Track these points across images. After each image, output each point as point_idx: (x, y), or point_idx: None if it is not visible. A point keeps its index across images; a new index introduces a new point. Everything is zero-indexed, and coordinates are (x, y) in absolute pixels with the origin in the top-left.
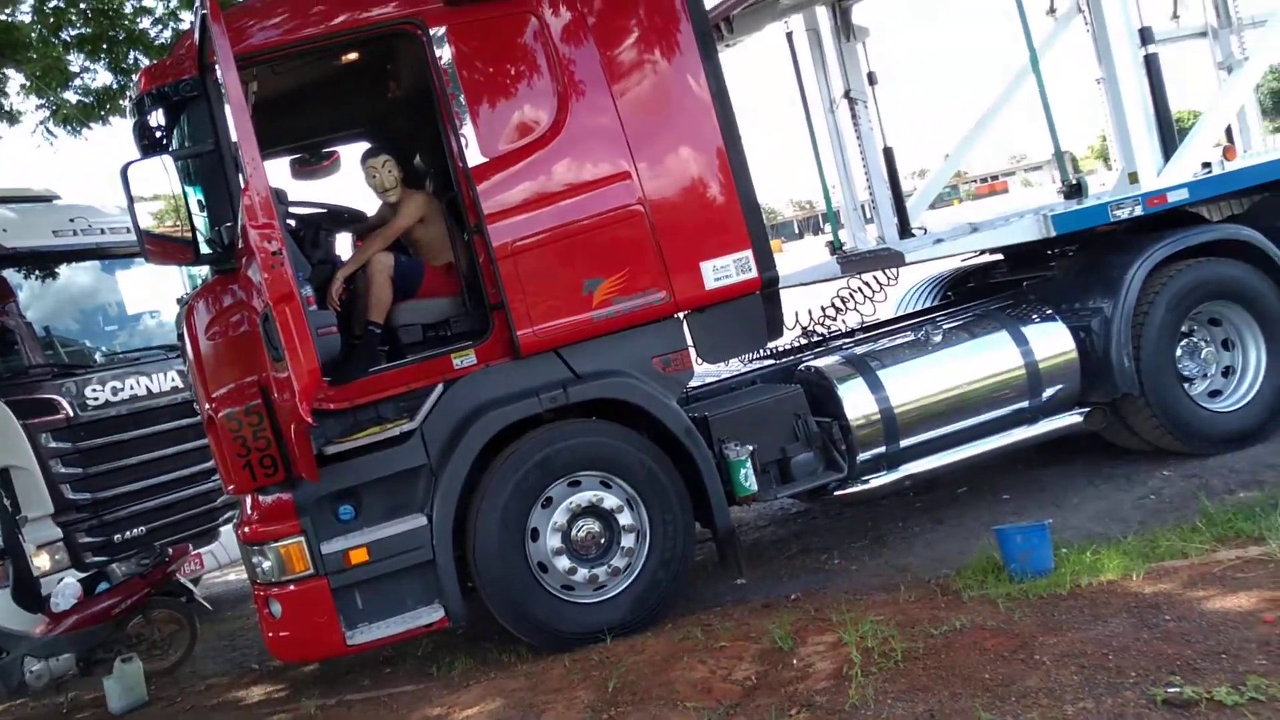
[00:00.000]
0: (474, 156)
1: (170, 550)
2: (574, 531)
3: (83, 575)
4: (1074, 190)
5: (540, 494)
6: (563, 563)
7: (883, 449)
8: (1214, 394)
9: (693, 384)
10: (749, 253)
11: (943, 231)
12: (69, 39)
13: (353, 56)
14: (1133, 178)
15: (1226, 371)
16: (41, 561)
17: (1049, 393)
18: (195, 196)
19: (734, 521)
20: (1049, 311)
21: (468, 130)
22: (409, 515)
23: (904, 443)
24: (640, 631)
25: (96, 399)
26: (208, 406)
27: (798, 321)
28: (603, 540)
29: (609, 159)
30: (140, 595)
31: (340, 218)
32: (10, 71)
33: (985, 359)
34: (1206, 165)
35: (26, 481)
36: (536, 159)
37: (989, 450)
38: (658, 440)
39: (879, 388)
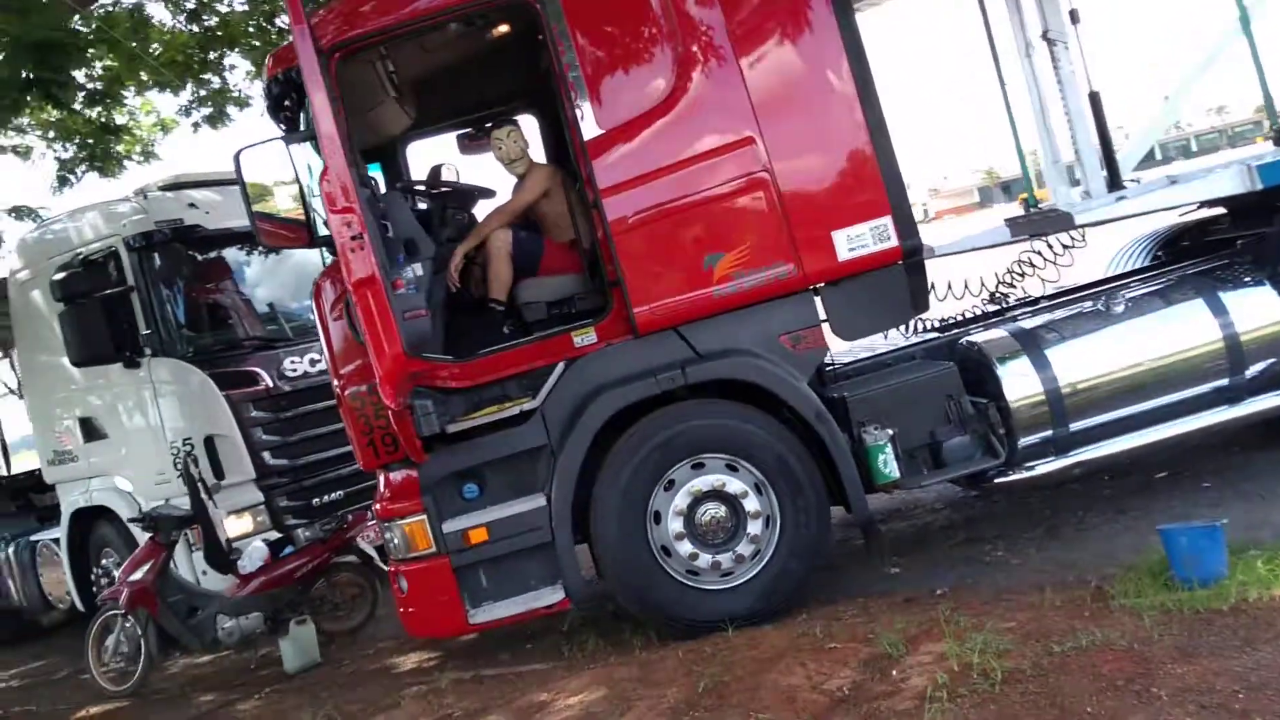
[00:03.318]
0: (591, 128)
1: (350, 517)
2: (697, 516)
3: (269, 539)
4: None
5: (662, 476)
6: (685, 548)
7: (1049, 433)
8: None
9: (846, 359)
10: (888, 219)
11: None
12: None
13: (504, 29)
14: None
15: None
16: (244, 524)
17: (1255, 369)
18: (312, 180)
19: (904, 504)
20: (1257, 276)
21: (584, 101)
22: (530, 496)
23: (1074, 426)
24: (768, 621)
25: (295, 370)
26: (335, 384)
27: (966, 289)
28: (729, 525)
29: (732, 125)
30: (321, 560)
31: (469, 195)
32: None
33: (1173, 332)
34: None
35: (229, 449)
36: (655, 128)
37: (1178, 434)
38: (789, 422)
39: (1045, 366)
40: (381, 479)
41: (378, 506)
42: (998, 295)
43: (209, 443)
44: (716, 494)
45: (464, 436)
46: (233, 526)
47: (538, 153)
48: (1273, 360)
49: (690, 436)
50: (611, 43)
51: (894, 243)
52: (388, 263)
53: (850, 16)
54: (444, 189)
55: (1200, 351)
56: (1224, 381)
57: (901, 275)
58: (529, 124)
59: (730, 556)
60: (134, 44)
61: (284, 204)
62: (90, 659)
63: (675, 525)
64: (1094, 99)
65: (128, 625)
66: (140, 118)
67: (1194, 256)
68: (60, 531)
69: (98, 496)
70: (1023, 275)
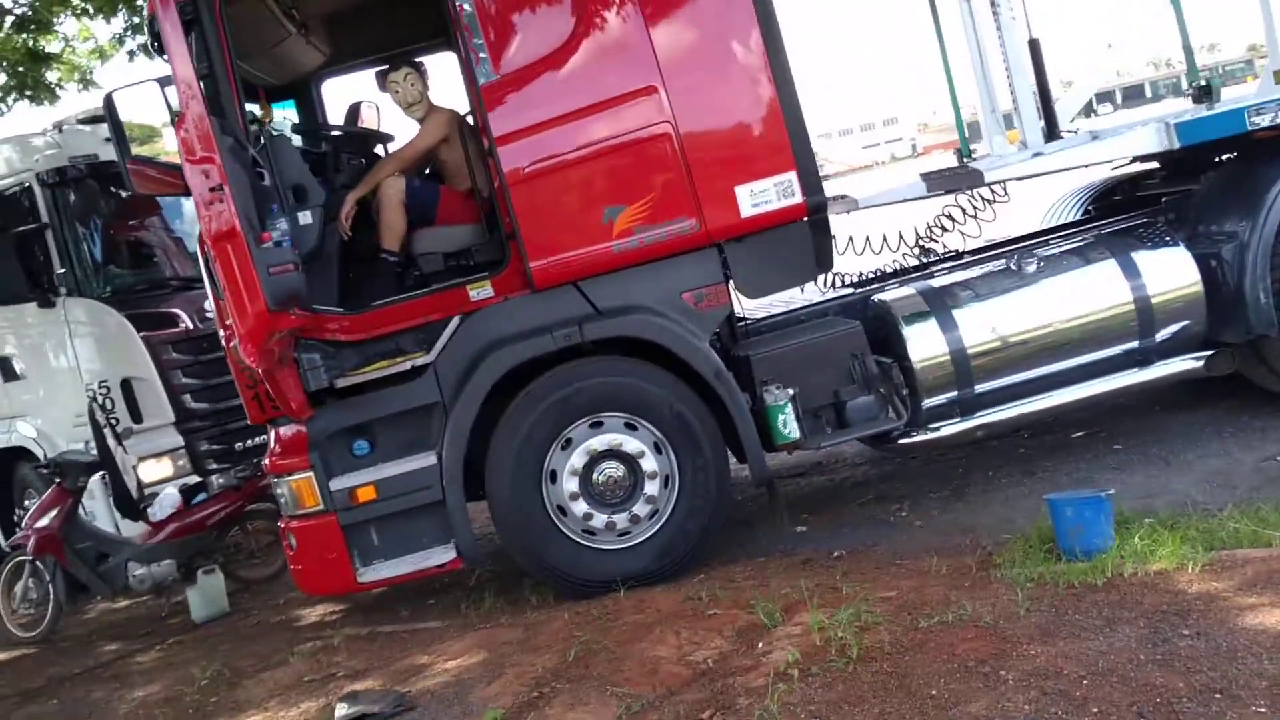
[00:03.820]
0: (486, 72)
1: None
2: (594, 475)
3: (188, 485)
4: (1203, 93)
5: (559, 435)
6: (580, 507)
7: (954, 394)
8: None
9: (759, 315)
10: (792, 175)
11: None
12: None
13: None
14: (1278, 77)
15: None
16: (164, 468)
17: (1166, 332)
18: None
19: (825, 458)
20: (1171, 236)
21: (479, 43)
22: (422, 453)
23: (980, 388)
24: (663, 581)
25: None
26: (221, 334)
27: (885, 244)
28: (627, 485)
29: (633, 73)
30: (235, 507)
31: (366, 139)
32: None
33: (1083, 293)
34: None
35: (147, 392)
36: (553, 75)
37: (1085, 397)
38: (691, 380)
39: (951, 326)
40: (271, 433)
41: (267, 461)
42: (923, 249)
43: (126, 385)
44: (614, 453)
45: (356, 391)
46: (152, 471)
47: (458, 95)
48: (1185, 323)
49: (589, 394)
50: None
51: (799, 199)
52: (256, 214)
53: None
54: (337, 132)
55: (1110, 314)
56: (1134, 344)
57: (806, 232)
58: (449, 63)
59: (626, 517)
60: None
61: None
62: (0, 605)
63: (571, 485)
64: (1033, 46)
65: (36, 572)
66: (77, 45)
67: (1123, 211)
68: None
69: (16, 438)
70: (943, 230)
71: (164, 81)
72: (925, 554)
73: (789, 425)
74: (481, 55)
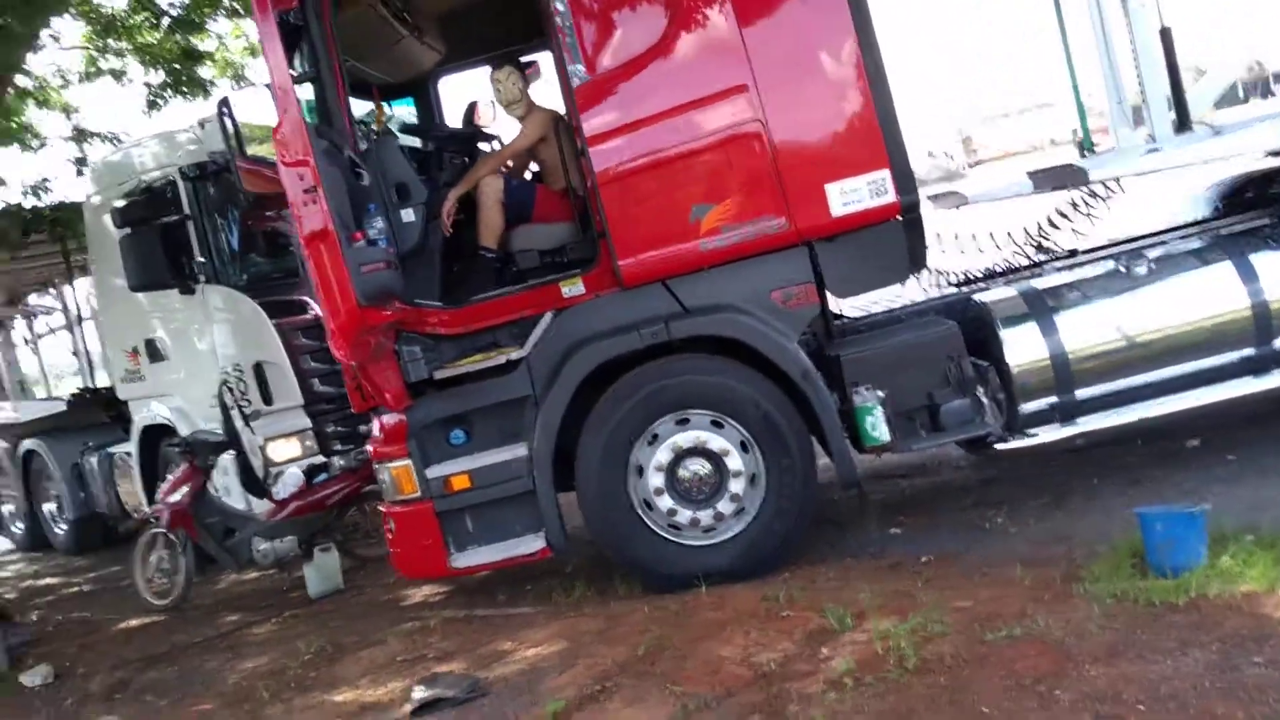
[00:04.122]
0: (579, 72)
1: None
2: (679, 471)
3: (315, 464)
4: None
5: (645, 430)
6: (665, 502)
7: (1053, 399)
8: None
9: (855, 314)
10: (885, 173)
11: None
12: None
13: None
14: None
15: None
16: (292, 448)
17: None
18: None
19: (930, 460)
20: None
21: (573, 43)
22: (514, 444)
23: (1081, 393)
24: (747, 579)
25: None
26: (330, 325)
27: (993, 241)
28: (713, 482)
29: (724, 71)
30: (354, 488)
31: (469, 139)
32: None
33: (1195, 296)
34: None
35: (278, 375)
36: (644, 74)
37: (1194, 405)
38: (779, 380)
39: (1051, 329)
40: (375, 422)
41: (370, 448)
42: (1037, 247)
43: (258, 369)
44: (700, 450)
45: (453, 383)
46: (281, 450)
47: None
48: None
49: (676, 391)
50: None
51: (891, 198)
52: (351, 214)
53: None
54: (441, 133)
55: (1223, 319)
56: (1250, 351)
57: (900, 231)
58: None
59: (710, 514)
60: None
61: None
62: (136, 574)
63: (656, 480)
64: (1165, 35)
65: (169, 544)
66: (230, 42)
67: (1254, 209)
68: (132, 445)
69: (161, 415)
70: (1055, 228)
71: (271, 87)
72: (1013, 563)
73: (878, 428)
74: (575, 56)
